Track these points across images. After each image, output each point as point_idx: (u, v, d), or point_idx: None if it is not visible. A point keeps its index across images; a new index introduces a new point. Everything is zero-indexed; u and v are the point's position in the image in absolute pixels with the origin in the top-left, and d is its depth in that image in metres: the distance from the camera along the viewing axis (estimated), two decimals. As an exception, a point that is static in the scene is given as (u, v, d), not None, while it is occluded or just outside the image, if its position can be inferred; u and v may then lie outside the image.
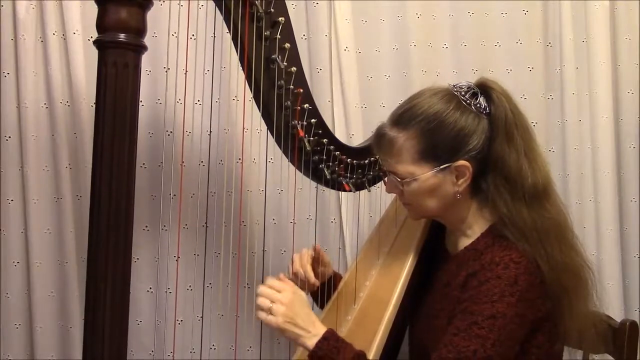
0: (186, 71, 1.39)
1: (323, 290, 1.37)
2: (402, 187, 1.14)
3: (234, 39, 1.17)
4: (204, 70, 1.51)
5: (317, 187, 1.63)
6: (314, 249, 1.35)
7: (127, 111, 1.06)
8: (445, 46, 1.71)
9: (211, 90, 1.57)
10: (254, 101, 1.22)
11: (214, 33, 1.43)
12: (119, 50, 1.05)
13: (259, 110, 1.22)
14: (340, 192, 1.61)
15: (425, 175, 1.11)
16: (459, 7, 1.70)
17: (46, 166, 1.57)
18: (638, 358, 1.25)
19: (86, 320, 1.06)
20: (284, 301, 1.10)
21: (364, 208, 1.63)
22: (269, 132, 1.25)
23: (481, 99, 1.13)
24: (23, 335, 1.59)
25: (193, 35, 1.50)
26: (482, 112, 1.12)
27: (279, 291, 1.11)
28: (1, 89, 1.54)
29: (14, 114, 1.55)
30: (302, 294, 1.15)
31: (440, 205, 1.15)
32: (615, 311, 1.62)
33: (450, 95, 1.13)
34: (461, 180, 1.12)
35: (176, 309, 1.56)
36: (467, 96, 1.12)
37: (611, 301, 1.62)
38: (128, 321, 1.10)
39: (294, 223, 1.59)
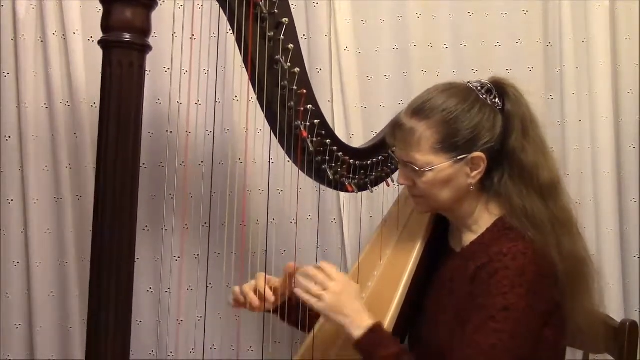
0: (186, 71, 1.40)
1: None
2: (418, 177, 1.16)
3: (238, 40, 1.17)
4: (204, 70, 1.51)
5: (317, 187, 1.64)
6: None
7: (131, 111, 1.07)
8: (445, 46, 1.71)
9: (207, 90, 1.57)
10: (255, 101, 1.22)
11: (214, 33, 1.43)
12: (124, 50, 1.05)
13: (263, 110, 1.22)
14: (339, 192, 1.61)
15: (443, 165, 1.13)
16: (459, 7, 1.70)
17: (46, 166, 1.57)
18: (638, 358, 1.25)
19: (90, 320, 1.06)
20: (335, 290, 1.12)
21: (364, 208, 1.63)
22: (270, 132, 1.25)
23: (495, 95, 1.17)
24: (23, 335, 1.59)
25: (193, 35, 1.50)
26: (497, 108, 1.16)
27: (331, 279, 1.14)
28: (1, 89, 1.54)
29: (14, 114, 1.55)
30: (356, 286, 1.18)
31: (452, 197, 1.17)
32: (615, 311, 1.62)
33: (469, 89, 1.17)
34: (475, 173, 1.15)
35: (178, 308, 1.55)
36: (483, 91, 1.16)
37: (611, 301, 1.62)
38: (131, 321, 1.09)
39: (294, 223, 1.59)
